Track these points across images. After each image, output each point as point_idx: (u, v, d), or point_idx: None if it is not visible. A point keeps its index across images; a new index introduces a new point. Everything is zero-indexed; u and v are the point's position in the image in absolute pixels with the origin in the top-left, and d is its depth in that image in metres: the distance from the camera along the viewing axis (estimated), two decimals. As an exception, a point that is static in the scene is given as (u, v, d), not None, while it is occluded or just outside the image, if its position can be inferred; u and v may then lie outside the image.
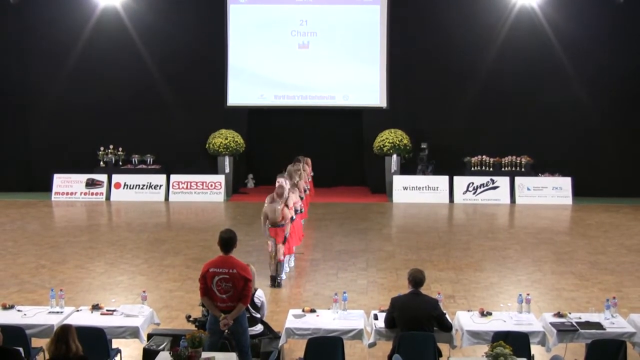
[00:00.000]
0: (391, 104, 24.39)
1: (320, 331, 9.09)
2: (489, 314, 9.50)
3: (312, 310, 9.70)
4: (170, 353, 7.65)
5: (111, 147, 24.28)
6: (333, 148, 24.36)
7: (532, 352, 8.84)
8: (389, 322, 9.01)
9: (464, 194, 23.22)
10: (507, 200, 23.03)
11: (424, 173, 23.89)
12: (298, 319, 9.45)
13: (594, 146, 23.91)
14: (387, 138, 23.53)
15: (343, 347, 8.79)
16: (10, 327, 8.84)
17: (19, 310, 9.70)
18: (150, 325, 9.73)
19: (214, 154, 23.97)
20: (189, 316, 9.71)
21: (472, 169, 23.63)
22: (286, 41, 24.59)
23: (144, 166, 24.33)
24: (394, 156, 23.60)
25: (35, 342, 9.33)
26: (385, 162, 23.85)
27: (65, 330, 7.46)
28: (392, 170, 23.68)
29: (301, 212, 15.84)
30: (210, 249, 15.70)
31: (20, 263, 15.22)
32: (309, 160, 20.31)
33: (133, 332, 9.21)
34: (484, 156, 23.67)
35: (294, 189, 15.46)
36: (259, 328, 9.45)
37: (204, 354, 7.78)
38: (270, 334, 9.51)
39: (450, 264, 15.19)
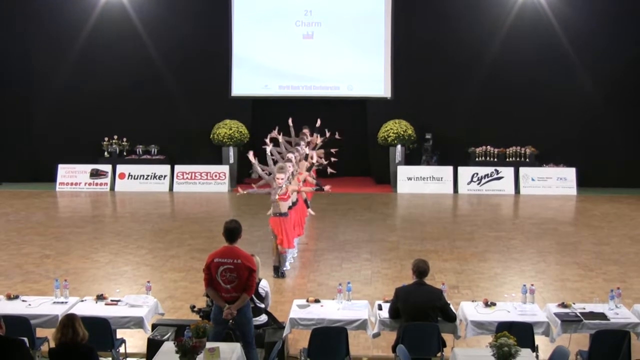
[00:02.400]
0: (395, 95, 24.35)
1: (325, 321, 9.09)
2: (493, 304, 9.50)
3: (317, 301, 9.71)
4: (174, 343, 7.65)
5: (115, 137, 24.30)
6: (337, 138, 24.31)
7: (536, 342, 8.84)
8: (393, 312, 9.02)
9: (468, 184, 23.20)
10: (512, 191, 23.00)
11: (428, 163, 23.88)
12: (302, 309, 9.45)
13: (599, 137, 23.85)
14: (391, 128, 23.51)
15: (347, 337, 8.80)
16: (15, 317, 8.86)
17: (23, 301, 9.71)
18: (155, 315, 9.74)
19: (218, 145, 23.97)
20: (193, 306, 9.72)
21: (477, 159, 23.61)
22: (291, 31, 24.55)
23: (148, 156, 24.34)
24: (399, 147, 23.58)
25: (40, 332, 9.34)
26: (389, 153, 23.83)
27: (71, 318, 7.48)
28: (397, 161, 23.67)
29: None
30: (215, 239, 15.72)
31: (25, 253, 15.24)
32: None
33: (137, 323, 9.22)
34: (488, 147, 23.65)
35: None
36: (263, 318, 9.45)
37: (208, 344, 7.78)
38: (275, 324, 9.51)
39: (454, 255, 15.19)
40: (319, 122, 19.46)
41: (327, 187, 15.12)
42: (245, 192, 13.81)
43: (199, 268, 12.24)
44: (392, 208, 21.25)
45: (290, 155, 15.05)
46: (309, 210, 15.19)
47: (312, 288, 12.77)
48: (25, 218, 19.05)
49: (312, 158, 16.24)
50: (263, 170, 14.04)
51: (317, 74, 24.49)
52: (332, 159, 17.66)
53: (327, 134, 19.20)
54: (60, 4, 24.17)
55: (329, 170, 16.76)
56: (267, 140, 15.31)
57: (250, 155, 14.08)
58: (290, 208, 13.69)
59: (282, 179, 13.17)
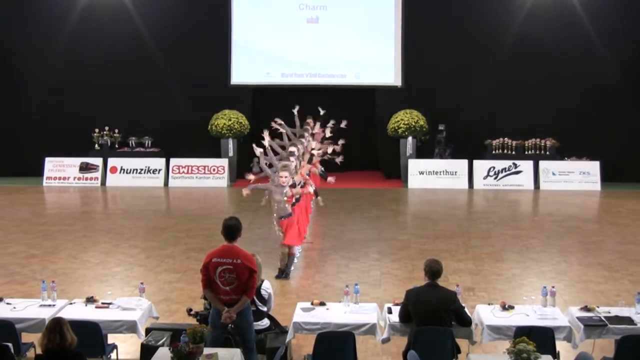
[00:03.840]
0: (406, 83, 24.33)
1: (330, 326, 9.08)
2: (511, 307, 9.49)
3: (322, 304, 9.69)
4: (170, 349, 7.65)
5: (107, 128, 24.31)
6: (344, 130, 24.30)
7: (558, 348, 8.82)
8: (404, 316, 9.00)
9: (484, 179, 23.18)
10: (531, 186, 22.98)
11: (441, 157, 23.86)
12: (306, 312, 9.44)
13: (624, 128, 23.81)
14: (402, 119, 23.49)
15: (355, 342, 8.78)
16: (-1, 321, 8.88)
17: (8, 303, 9.69)
18: (149, 319, 9.75)
19: (216, 136, 23.97)
20: (190, 309, 9.72)
21: (493, 152, 23.59)
22: (294, 15, 24.53)
23: (141, 149, 24.36)
24: (410, 138, 23.56)
25: (26, 337, 9.34)
26: (400, 145, 23.82)
27: (57, 322, 7.45)
28: (408, 154, 23.66)
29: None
30: (213, 237, 15.71)
31: (10, 253, 15.25)
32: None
33: (130, 327, 9.21)
34: (505, 139, 23.62)
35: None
36: (265, 322, 9.45)
37: (206, 350, 7.78)
38: (277, 328, 9.51)
39: (469, 254, 15.18)
40: (321, 111, 19.49)
41: (330, 179, 15.15)
42: (249, 191, 13.76)
43: (196, 268, 12.25)
44: (403, 204, 21.25)
45: (292, 149, 15.03)
46: (319, 199, 15.31)
47: (317, 290, 12.76)
48: (11, 215, 19.08)
49: (313, 149, 16.33)
50: (267, 165, 13.99)
51: (322, 61, 24.47)
52: (334, 156, 17.62)
53: (332, 124, 19.20)
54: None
55: (338, 160, 16.96)
56: (266, 135, 15.20)
57: (256, 149, 14.15)
58: (293, 205, 13.67)
59: (285, 177, 13.14)
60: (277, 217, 13.43)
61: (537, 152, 23.54)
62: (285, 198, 13.23)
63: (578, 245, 15.97)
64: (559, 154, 23.48)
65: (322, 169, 17.99)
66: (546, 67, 23.72)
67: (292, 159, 14.22)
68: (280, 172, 13.23)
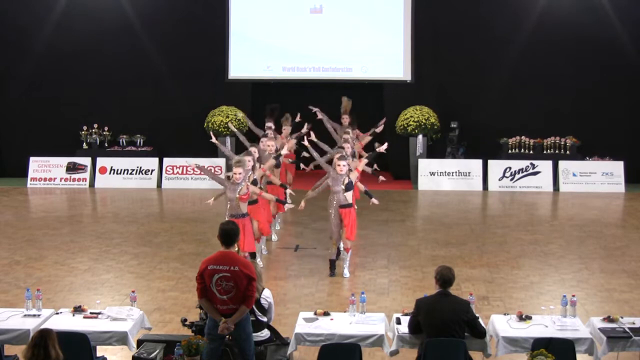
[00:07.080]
0: (417, 77, 24.28)
1: (335, 337, 9.09)
2: (529, 317, 9.50)
3: (326, 313, 9.71)
4: (163, 362, 7.67)
5: (96, 126, 24.30)
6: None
7: (578, 361, 8.85)
8: (414, 326, 9.01)
9: (500, 180, 23.15)
10: (550, 188, 22.94)
11: (454, 156, 23.83)
12: (309, 323, 9.46)
13: (651, 125, 23.81)
14: (411, 116, 23.46)
15: (361, 355, 8.80)
16: (-20, 333, 8.89)
17: (-11, 313, 9.74)
18: (141, 330, 9.75)
19: (213, 134, 23.92)
20: (185, 320, 9.72)
21: (510, 151, 23.54)
22: (296, 4, 24.48)
23: (133, 148, 24.34)
24: (420, 137, 23.53)
25: (9, 350, 9.36)
26: (409, 144, 23.79)
27: (44, 335, 7.46)
28: (418, 153, 23.63)
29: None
30: (209, 243, 15.77)
31: (-8, 259, 15.30)
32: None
33: (121, 338, 9.22)
34: (523, 137, 23.57)
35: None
36: (265, 334, 9.46)
37: (202, 363, 7.80)
38: (278, 340, 9.52)
39: (483, 261, 15.18)
40: (298, 116, 19.71)
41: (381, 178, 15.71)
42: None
43: (191, 276, 12.27)
44: (412, 207, 21.24)
45: (252, 149, 15.10)
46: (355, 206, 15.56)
47: (321, 299, 12.78)
48: (-7, 218, 19.13)
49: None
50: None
51: (327, 54, 24.43)
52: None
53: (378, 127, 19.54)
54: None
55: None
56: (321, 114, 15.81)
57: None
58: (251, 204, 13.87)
59: (239, 173, 13.16)
60: (229, 216, 13.42)
61: (557, 151, 23.48)
62: (238, 196, 13.24)
63: (600, 251, 15.96)
64: (580, 154, 23.41)
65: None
66: (566, 61, 23.65)
67: (248, 158, 14.19)
68: (234, 168, 13.26)
